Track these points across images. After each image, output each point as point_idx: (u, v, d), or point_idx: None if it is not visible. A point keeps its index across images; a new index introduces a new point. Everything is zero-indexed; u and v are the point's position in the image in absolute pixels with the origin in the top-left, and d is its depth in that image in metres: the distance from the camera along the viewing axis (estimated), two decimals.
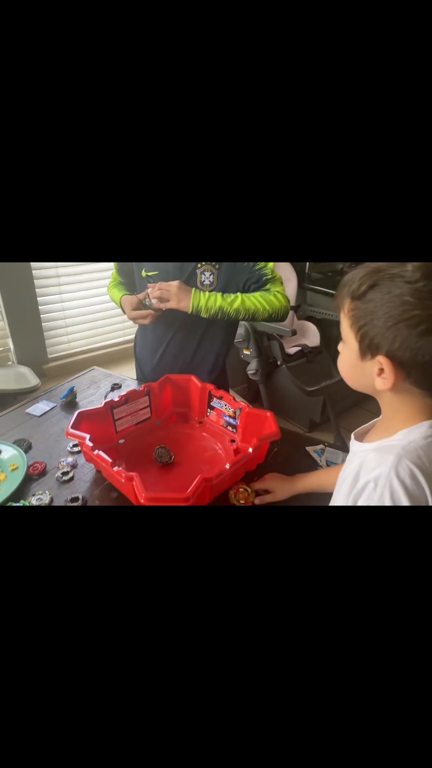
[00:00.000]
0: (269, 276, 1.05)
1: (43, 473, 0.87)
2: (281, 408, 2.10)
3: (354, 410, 2.33)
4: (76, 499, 0.79)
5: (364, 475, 0.51)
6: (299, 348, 1.90)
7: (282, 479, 0.83)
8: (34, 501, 0.78)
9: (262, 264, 1.04)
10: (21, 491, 0.81)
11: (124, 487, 0.79)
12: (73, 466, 0.88)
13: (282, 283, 1.08)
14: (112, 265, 1.27)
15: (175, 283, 1.00)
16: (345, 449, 0.95)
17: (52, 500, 0.79)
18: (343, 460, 0.91)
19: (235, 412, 0.94)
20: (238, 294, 1.03)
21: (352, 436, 0.60)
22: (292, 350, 1.88)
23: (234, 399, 0.95)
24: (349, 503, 0.52)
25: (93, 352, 2.35)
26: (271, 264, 1.05)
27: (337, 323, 1.84)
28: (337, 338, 1.87)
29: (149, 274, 1.10)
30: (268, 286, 1.05)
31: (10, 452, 0.89)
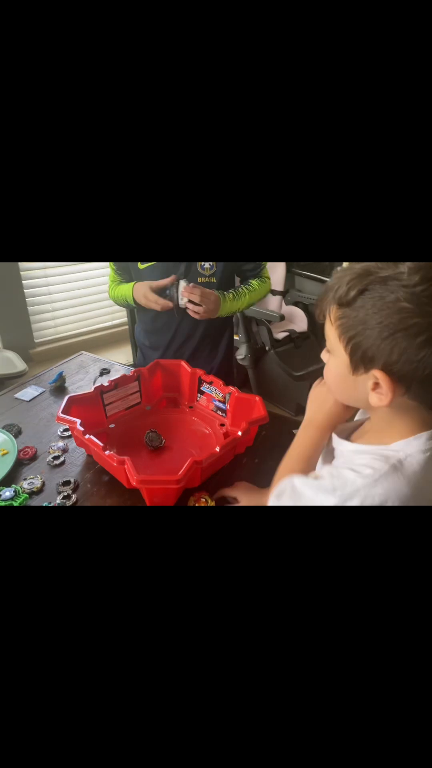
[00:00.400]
0: (263, 265, 1.15)
1: (33, 458, 0.87)
2: (269, 393, 2.12)
3: None
4: (68, 482, 0.80)
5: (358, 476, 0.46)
6: (287, 333, 1.92)
7: (250, 491, 0.78)
8: (25, 485, 0.79)
9: None
10: (12, 476, 0.82)
11: (115, 471, 0.80)
12: (64, 451, 0.89)
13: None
14: None
15: (214, 297, 1.03)
16: None
17: (43, 484, 0.80)
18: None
19: (224, 397, 0.95)
20: (245, 292, 1.12)
21: (334, 435, 0.57)
22: (280, 335, 1.89)
23: (223, 384, 0.97)
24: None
25: (80, 337, 2.33)
26: None
27: None
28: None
29: (145, 266, 1.10)
30: (262, 275, 1.15)
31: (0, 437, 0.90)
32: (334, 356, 0.48)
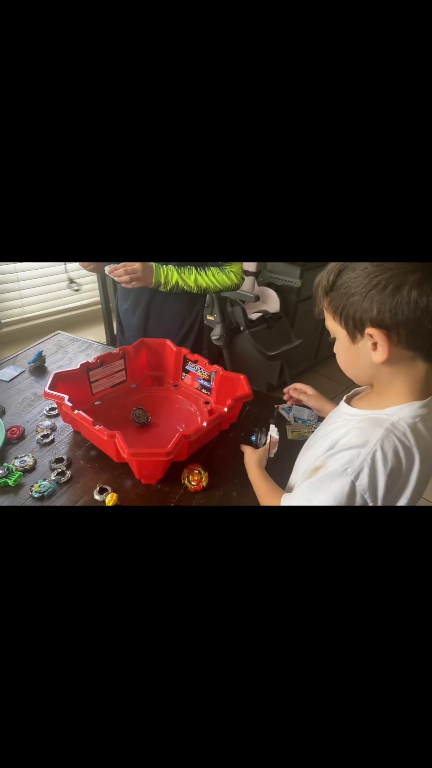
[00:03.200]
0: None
1: (22, 437, 0.87)
2: (242, 372, 2.17)
3: (308, 374, 2.46)
4: (60, 459, 0.82)
5: (350, 439, 0.53)
6: (260, 314, 1.96)
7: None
8: (17, 463, 0.79)
9: None
10: (2, 455, 0.82)
11: (105, 445, 0.82)
12: (52, 429, 0.90)
13: (240, 263, 1.15)
14: None
15: (138, 266, 1.03)
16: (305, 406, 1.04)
17: (35, 462, 0.81)
18: (309, 416, 0.99)
19: (209, 375, 0.99)
20: (193, 271, 1.11)
21: (344, 397, 0.62)
22: (254, 316, 1.93)
23: (208, 363, 0.99)
24: (322, 459, 0.55)
25: (49, 317, 2.26)
26: None
27: (296, 289, 1.91)
28: (296, 304, 1.94)
29: None
30: (224, 266, 1.14)
31: None
32: (338, 339, 0.54)
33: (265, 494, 0.72)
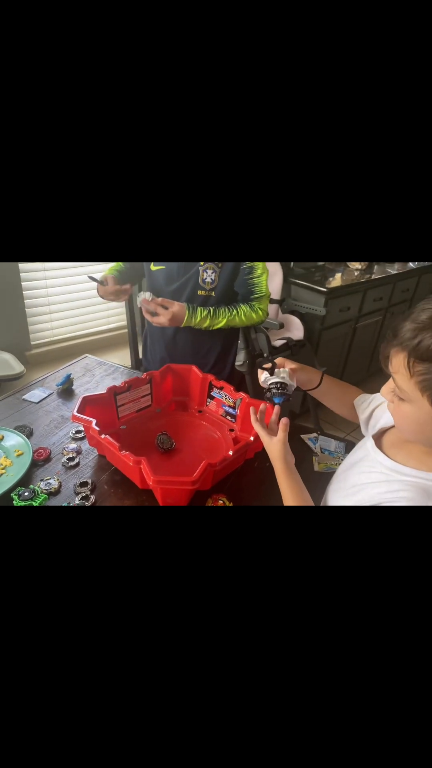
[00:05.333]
0: (258, 295, 1.16)
1: (48, 459, 0.88)
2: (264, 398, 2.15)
3: None
4: (85, 483, 0.81)
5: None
6: (284, 341, 1.96)
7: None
8: (42, 485, 0.79)
9: (257, 280, 1.14)
10: (28, 477, 0.82)
11: (130, 471, 0.81)
12: (78, 452, 0.90)
13: (268, 299, 1.19)
14: None
15: (169, 315, 1.04)
16: (331, 437, 1.02)
17: (60, 485, 0.81)
18: (337, 448, 0.97)
19: (235, 402, 0.98)
20: (225, 312, 1.13)
21: (372, 439, 0.58)
22: (277, 343, 1.93)
23: (234, 390, 0.99)
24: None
25: (77, 340, 2.33)
26: (264, 281, 1.15)
27: (320, 317, 1.89)
28: (320, 332, 1.91)
29: (156, 268, 1.15)
30: (254, 303, 1.17)
31: (14, 438, 0.90)
32: (412, 404, 0.49)
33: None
